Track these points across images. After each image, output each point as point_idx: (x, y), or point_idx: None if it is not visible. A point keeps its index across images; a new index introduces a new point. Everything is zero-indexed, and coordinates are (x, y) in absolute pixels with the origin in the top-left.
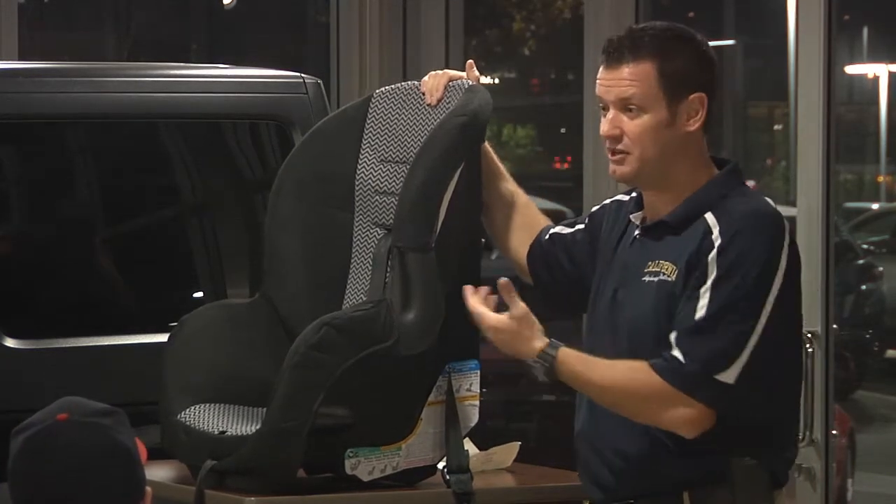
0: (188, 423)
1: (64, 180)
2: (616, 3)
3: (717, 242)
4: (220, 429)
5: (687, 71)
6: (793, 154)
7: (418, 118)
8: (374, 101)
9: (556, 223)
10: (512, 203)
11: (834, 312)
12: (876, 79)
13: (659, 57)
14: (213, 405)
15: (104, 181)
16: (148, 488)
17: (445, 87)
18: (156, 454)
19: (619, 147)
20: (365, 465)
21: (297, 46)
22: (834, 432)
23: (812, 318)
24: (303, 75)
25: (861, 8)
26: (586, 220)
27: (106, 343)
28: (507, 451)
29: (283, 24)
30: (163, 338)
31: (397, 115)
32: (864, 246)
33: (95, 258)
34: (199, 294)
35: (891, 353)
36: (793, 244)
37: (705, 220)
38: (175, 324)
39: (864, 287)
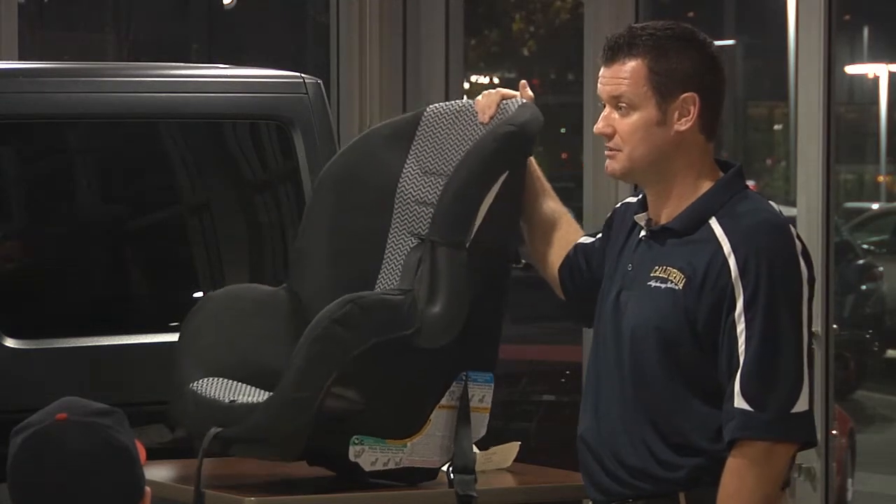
0: (199, 392)
1: (64, 180)
2: (616, 3)
3: (733, 259)
4: (231, 398)
5: (679, 70)
6: (793, 154)
7: (468, 135)
8: (425, 116)
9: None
10: (553, 221)
11: (834, 312)
12: (876, 79)
13: (651, 55)
14: (225, 379)
15: (104, 181)
16: (147, 488)
17: (497, 106)
18: (156, 454)
19: (611, 144)
20: (369, 454)
21: (298, 46)
22: (834, 432)
23: (812, 318)
24: (303, 75)
25: (861, 8)
26: (604, 228)
27: (106, 343)
28: (507, 451)
29: (283, 24)
30: (163, 338)
31: (447, 131)
32: (864, 246)
33: (95, 258)
34: (199, 294)
35: (891, 353)
36: (804, 248)
37: (710, 227)
38: (176, 323)
39: (864, 287)
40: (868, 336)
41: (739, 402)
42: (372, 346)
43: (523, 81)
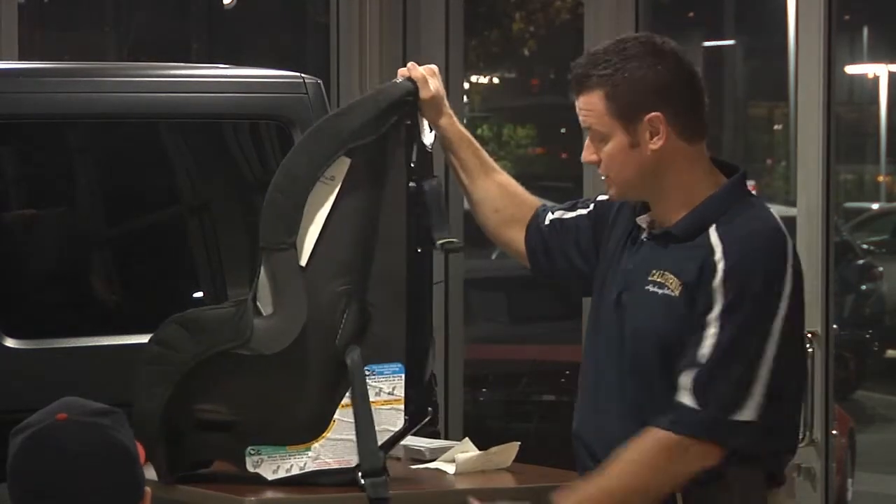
0: None
1: (64, 180)
2: (616, 3)
3: (720, 266)
4: None
5: (636, 92)
6: (793, 154)
7: None
8: None
9: (548, 205)
10: (499, 195)
11: (834, 312)
12: (876, 79)
13: (607, 85)
14: None
15: (104, 181)
16: (147, 488)
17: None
18: None
19: (601, 171)
20: (269, 463)
21: (298, 46)
22: (834, 432)
23: (812, 318)
24: (303, 75)
25: (861, 8)
26: (590, 207)
27: (106, 343)
28: (507, 451)
29: (283, 24)
30: None
31: None
32: (864, 246)
33: (95, 258)
34: (199, 294)
35: (891, 353)
36: (796, 263)
37: (708, 235)
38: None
39: (864, 287)
40: (868, 336)
41: (685, 397)
42: (207, 360)
43: (411, 63)
